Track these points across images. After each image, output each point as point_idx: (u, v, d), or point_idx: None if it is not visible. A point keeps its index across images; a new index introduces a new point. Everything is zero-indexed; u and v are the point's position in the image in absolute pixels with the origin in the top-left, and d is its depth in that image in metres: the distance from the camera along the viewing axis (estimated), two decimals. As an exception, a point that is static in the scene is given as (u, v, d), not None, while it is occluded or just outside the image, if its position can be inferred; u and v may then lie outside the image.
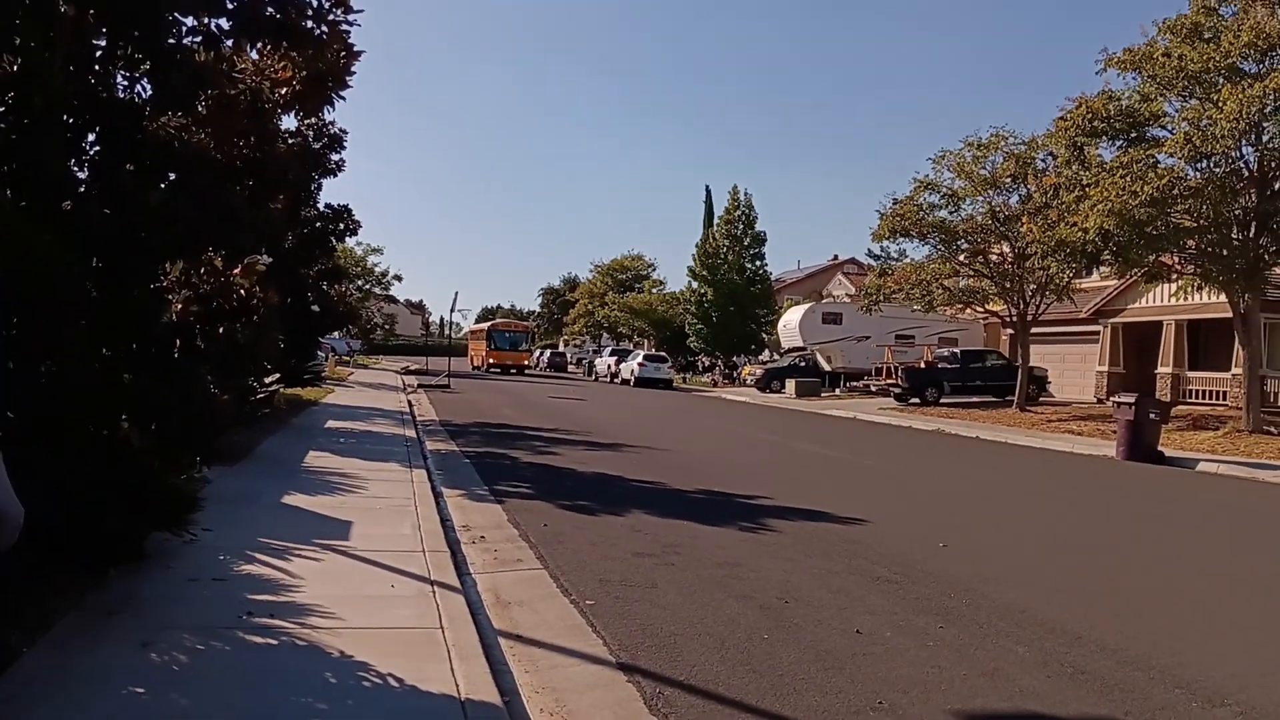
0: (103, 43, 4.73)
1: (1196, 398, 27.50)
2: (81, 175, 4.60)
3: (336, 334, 33.94)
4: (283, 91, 5.66)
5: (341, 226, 15.57)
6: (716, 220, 54.73)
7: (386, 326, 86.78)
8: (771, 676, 4.97)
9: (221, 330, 5.38)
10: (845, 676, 5.02)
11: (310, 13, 5.10)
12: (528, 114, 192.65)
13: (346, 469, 10.97)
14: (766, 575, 7.23)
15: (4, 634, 4.16)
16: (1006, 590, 7.11)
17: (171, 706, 3.86)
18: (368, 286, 62.93)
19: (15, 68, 4.20)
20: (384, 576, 6.19)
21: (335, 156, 13.78)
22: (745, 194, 52.77)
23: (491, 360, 56.85)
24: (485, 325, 64.46)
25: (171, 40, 4.81)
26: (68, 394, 4.36)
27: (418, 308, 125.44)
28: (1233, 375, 25.72)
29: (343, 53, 5.40)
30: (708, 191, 60.73)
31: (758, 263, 52.12)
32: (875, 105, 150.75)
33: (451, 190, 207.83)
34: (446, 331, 66.66)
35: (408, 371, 45.73)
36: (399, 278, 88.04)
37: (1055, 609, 6.59)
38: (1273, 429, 19.99)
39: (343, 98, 5.75)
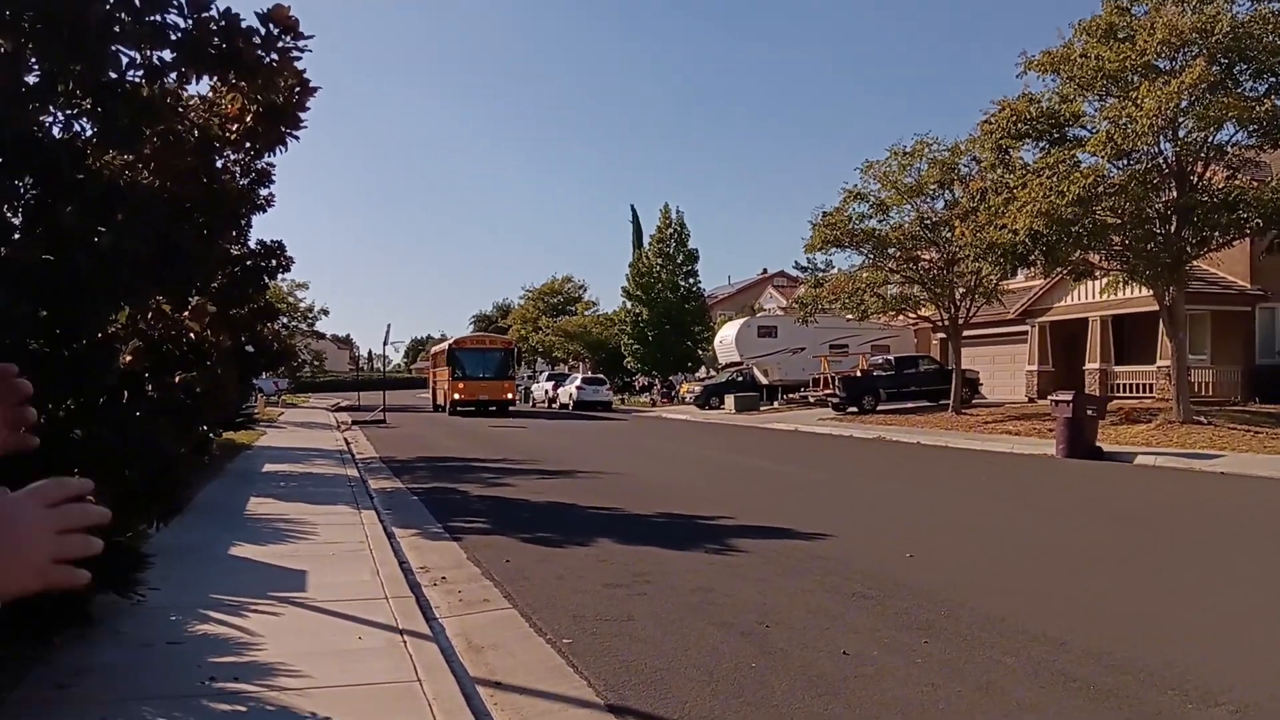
0: (35, 79, 4.42)
1: (1124, 391, 28.25)
2: (15, 221, 4.26)
3: (264, 373, 33.05)
4: (234, 128, 5.37)
5: (274, 263, 15.03)
6: (648, 239, 54.85)
7: (315, 363, 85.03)
8: (767, 708, 4.81)
9: (177, 378, 5.05)
10: (841, 702, 4.88)
11: (259, 40, 4.84)
12: (451, 140, 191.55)
13: (292, 514, 10.54)
14: (742, 599, 7.08)
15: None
16: (981, 598, 7.07)
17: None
18: (294, 323, 61.52)
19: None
20: (349, 628, 5.89)
21: (264, 191, 13.35)
22: (677, 211, 53.01)
23: (459, 395, 38.78)
24: (446, 345, 43.62)
25: (114, 74, 4.52)
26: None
27: (345, 342, 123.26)
28: (1157, 367, 26.47)
29: (296, 87, 5.13)
30: (633, 211, 61.06)
31: (691, 280, 52.31)
32: (797, 118, 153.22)
33: (376, 220, 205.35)
34: (378, 365, 65.15)
35: (339, 408, 44.75)
36: (325, 312, 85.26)
37: (1032, 615, 6.55)
38: (1202, 419, 20.57)
39: (296, 136, 5.47)
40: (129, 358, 4.79)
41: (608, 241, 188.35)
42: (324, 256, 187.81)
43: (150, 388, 4.91)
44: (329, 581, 7.19)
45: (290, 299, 58.90)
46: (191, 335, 5.22)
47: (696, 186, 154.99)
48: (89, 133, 4.56)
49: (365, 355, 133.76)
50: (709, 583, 7.63)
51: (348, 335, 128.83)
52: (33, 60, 4.15)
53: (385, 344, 46.85)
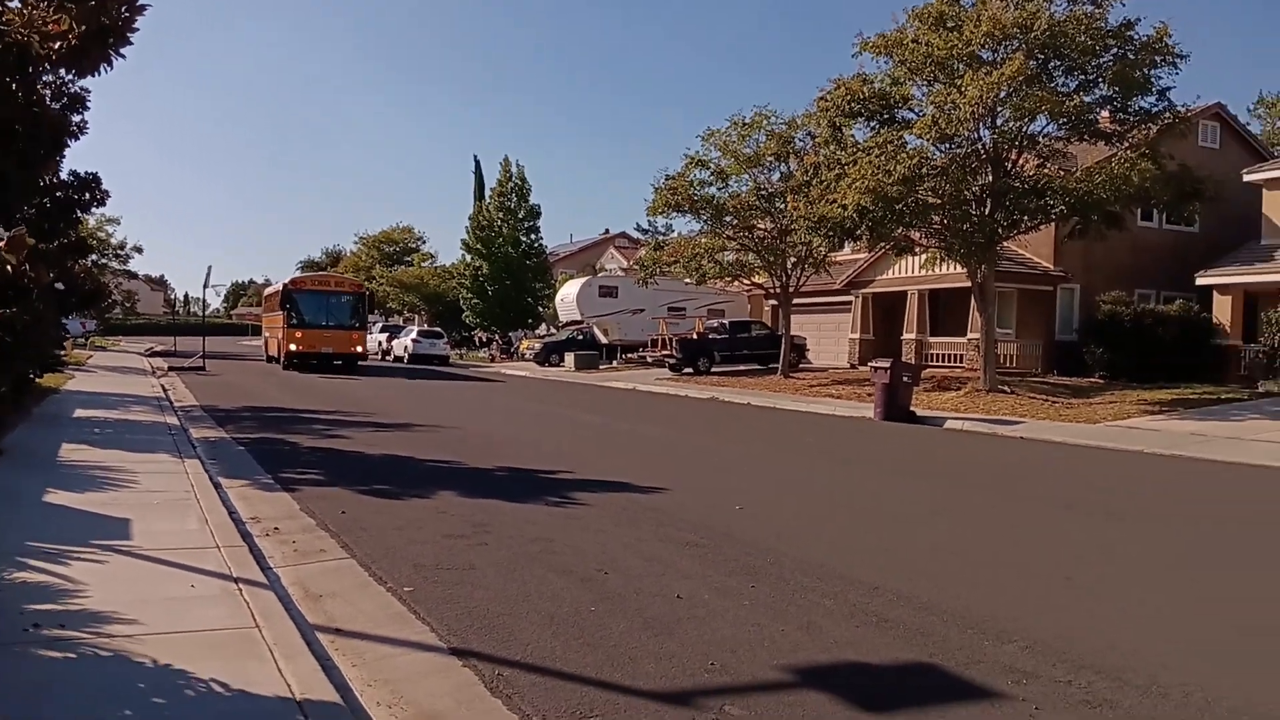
0: None
1: (937, 361, 30.13)
2: None
3: (73, 313, 30.79)
4: (55, 45, 5.02)
5: (89, 196, 14.02)
6: (489, 192, 54.05)
7: (126, 304, 79.69)
8: (606, 648, 5.03)
9: (-6, 314, 4.72)
10: (675, 641, 5.16)
11: (87, -43, 4.58)
12: (289, 76, 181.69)
13: (109, 462, 10.02)
14: (581, 548, 7.30)
15: None
16: (803, 548, 7.54)
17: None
18: (103, 260, 57.29)
19: None
20: (180, 576, 5.73)
21: (77, 118, 12.32)
22: (517, 165, 52.51)
23: (295, 345, 32.96)
24: (281, 285, 36.58)
25: None
26: None
27: (159, 283, 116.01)
28: (968, 340, 28.36)
29: (124, 7, 4.86)
30: (477, 163, 59.89)
31: (532, 236, 52.01)
32: (645, 85, 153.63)
33: (200, 155, 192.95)
34: (196, 310, 61.39)
35: (154, 353, 42.23)
36: (139, 249, 79.43)
37: (849, 562, 7.06)
38: (1006, 388, 22.28)
39: (123, 55, 5.18)
40: (-61, 288, 4.45)
41: (450, 194, 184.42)
42: (142, 191, 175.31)
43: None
44: (155, 529, 6.94)
45: (100, 234, 54.76)
46: (9, 269, 4.87)
47: (544, 144, 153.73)
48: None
49: (181, 299, 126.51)
50: (549, 533, 7.80)
51: (162, 276, 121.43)
52: None
53: (205, 287, 44.08)
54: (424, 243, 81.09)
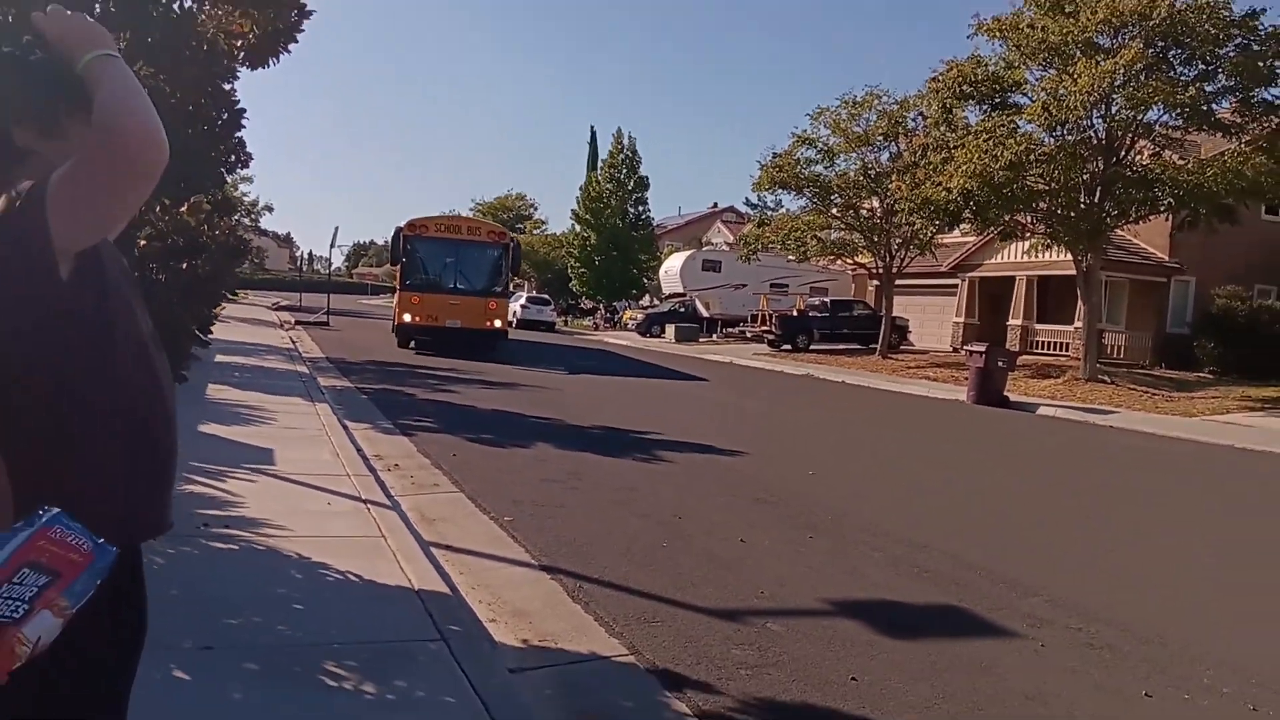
0: None
1: (1043, 349, 29.83)
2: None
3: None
4: (237, 43, 6.03)
5: (234, 158, 15.38)
6: (601, 163, 55.07)
7: (255, 260, 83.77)
8: (672, 574, 5.83)
9: (185, 264, 5.76)
10: (733, 574, 5.93)
11: (269, -27, 5.55)
12: (410, 42, 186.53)
13: (251, 401, 11.28)
14: (661, 498, 8.11)
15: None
16: (865, 509, 8.19)
17: (163, 595, 4.41)
18: (237, 217, 60.59)
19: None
20: (318, 495, 6.76)
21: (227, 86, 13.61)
22: (630, 137, 53.28)
23: (410, 315, 23.98)
24: (397, 229, 24.82)
25: None
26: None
27: (286, 241, 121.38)
28: (1075, 328, 27.98)
29: (295, 11, 5.82)
30: (592, 133, 61.01)
31: (640, 208, 52.82)
32: (761, 55, 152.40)
33: (329, 116, 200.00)
34: (319, 267, 64.13)
35: (280, 307, 44.79)
36: (270, 208, 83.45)
37: (906, 525, 7.68)
38: (1106, 378, 22.13)
39: (289, 51, 6.17)
40: (143, 243, 5.45)
41: (563, 163, 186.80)
42: (268, 148, 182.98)
43: (159, 274, 5.61)
44: (294, 457, 8.03)
45: (234, 191, 57.99)
46: (190, 228, 5.90)
47: (656, 116, 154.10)
48: (123, 45, 5.20)
49: (305, 256, 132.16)
50: (633, 483, 8.64)
51: (288, 234, 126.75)
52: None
53: (332, 246, 46.64)
54: (535, 209, 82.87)
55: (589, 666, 4.35)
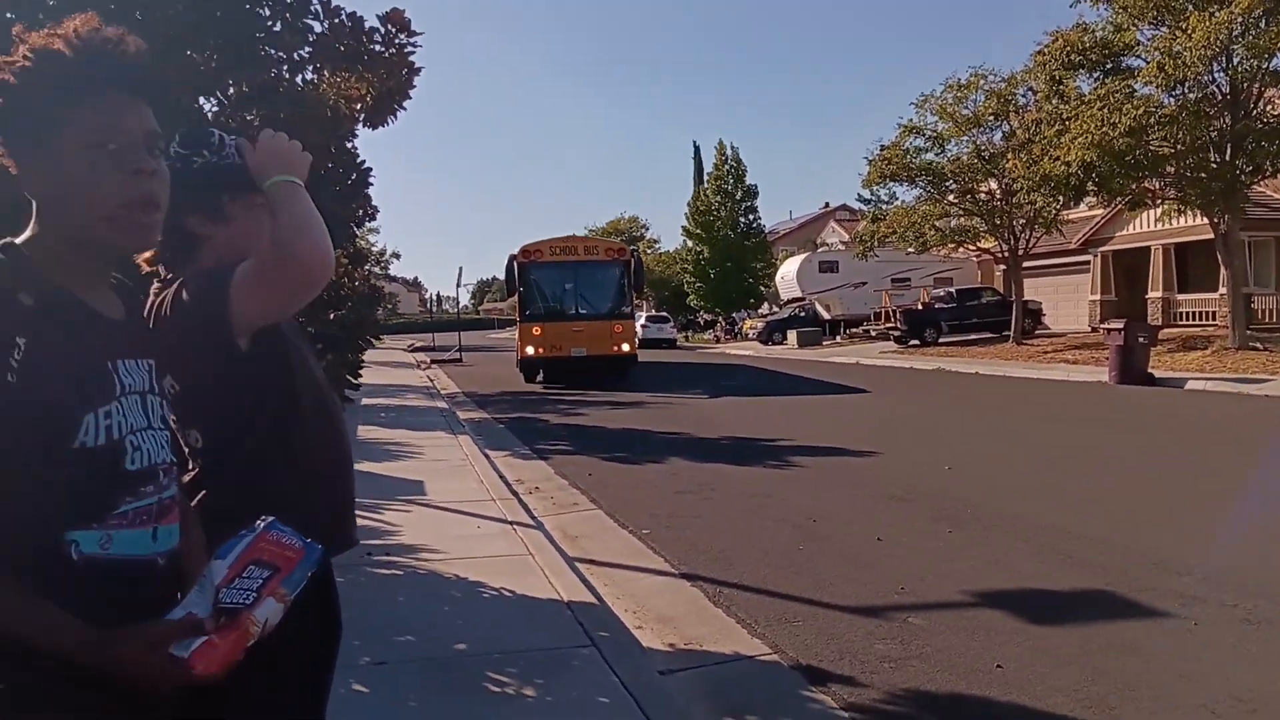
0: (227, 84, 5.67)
1: (1187, 320, 28.42)
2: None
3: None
4: (356, 107, 6.52)
5: (361, 212, 16.29)
6: (706, 177, 55.30)
7: (388, 306, 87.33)
8: (810, 576, 5.94)
9: (331, 315, 6.26)
10: (872, 572, 6.00)
11: (379, 38, 5.98)
12: (507, 78, 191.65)
13: (398, 439, 11.92)
14: (794, 502, 8.21)
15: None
16: (1007, 502, 8.07)
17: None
18: (369, 267, 63.35)
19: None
20: (467, 521, 7.16)
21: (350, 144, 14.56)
22: (732, 148, 53.30)
23: (532, 347, 22.55)
24: (510, 257, 23.02)
25: (273, 73, 5.76)
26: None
27: (414, 285, 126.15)
28: (1220, 295, 26.57)
29: (405, 70, 6.25)
30: (695, 148, 61.40)
31: (750, 216, 52.75)
32: (860, 55, 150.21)
33: (438, 160, 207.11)
34: (447, 307, 66.35)
35: (415, 349, 46.59)
36: (397, 255, 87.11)
37: (1050, 513, 7.54)
38: (1258, 345, 20.93)
39: (404, 108, 6.62)
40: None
41: (669, 180, 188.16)
42: (388, 197, 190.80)
43: (309, 325, 6.11)
44: (443, 488, 8.49)
45: (364, 242, 60.70)
46: (331, 281, 6.36)
47: (760, 122, 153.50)
48: (257, 123, 5.73)
49: (434, 297, 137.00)
50: (766, 490, 8.76)
51: (416, 278, 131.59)
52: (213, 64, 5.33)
53: (459, 285, 48.53)
54: (647, 229, 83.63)
55: (734, 666, 4.52)
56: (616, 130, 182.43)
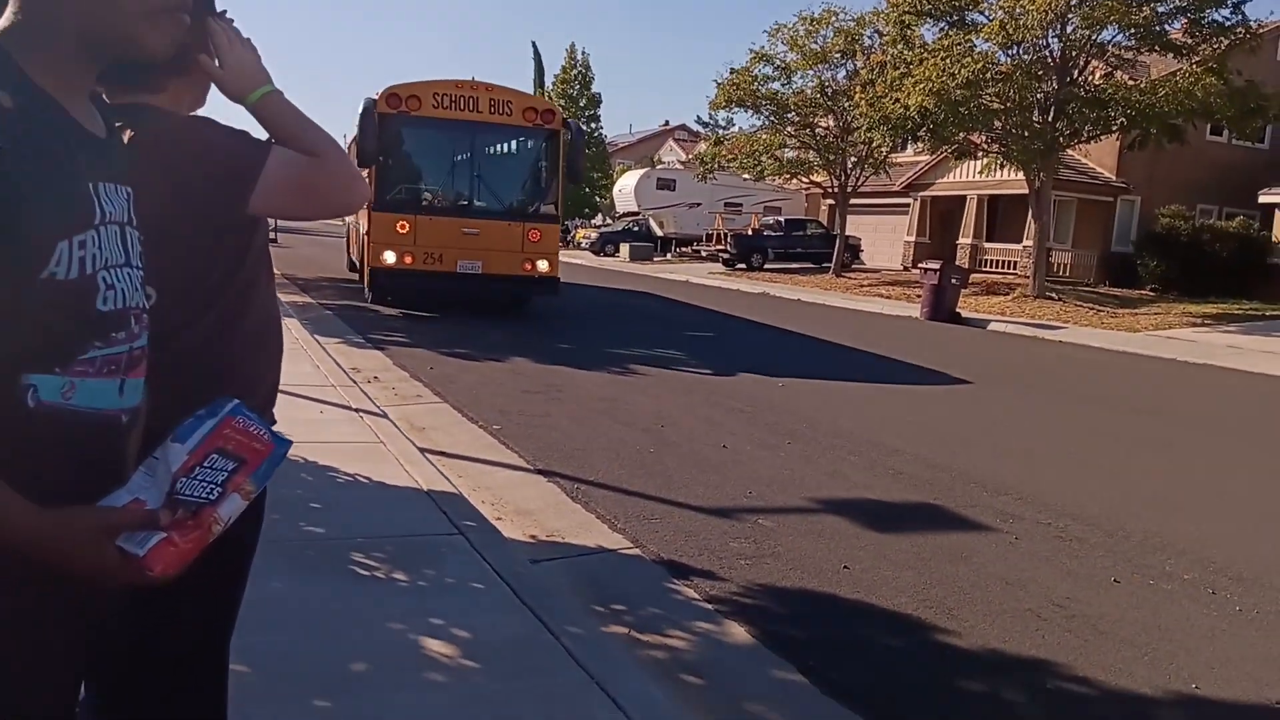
0: None
1: (992, 267, 30.40)
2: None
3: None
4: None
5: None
6: (551, 79, 54.02)
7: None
8: (662, 477, 6.07)
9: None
10: (720, 476, 6.19)
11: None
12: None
13: (220, 317, 11.20)
14: (641, 408, 8.33)
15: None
16: (835, 417, 8.48)
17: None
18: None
19: None
20: (309, 405, 6.85)
21: None
22: (583, 53, 52.31)
23: (392, 253, 14.03)
24: (367, 104, 13.59)
25: None
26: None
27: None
28: (1024, 247, 28.52)
29: None
30: (535, 49, 59.69)
31: (593, 125, 52.09)
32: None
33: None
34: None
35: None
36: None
37: (878, 431, 7.99)
38: (1054, 295, 22.73)
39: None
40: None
41: (505, 79, 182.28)
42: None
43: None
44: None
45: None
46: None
47: (602, 30, 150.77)
48: None
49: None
50: (613, 395, 8.85)
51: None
52: None
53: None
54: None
55: (599, 558, 4.59)
56: (449, 16, 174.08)
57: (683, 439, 7.23)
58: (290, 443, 1.45)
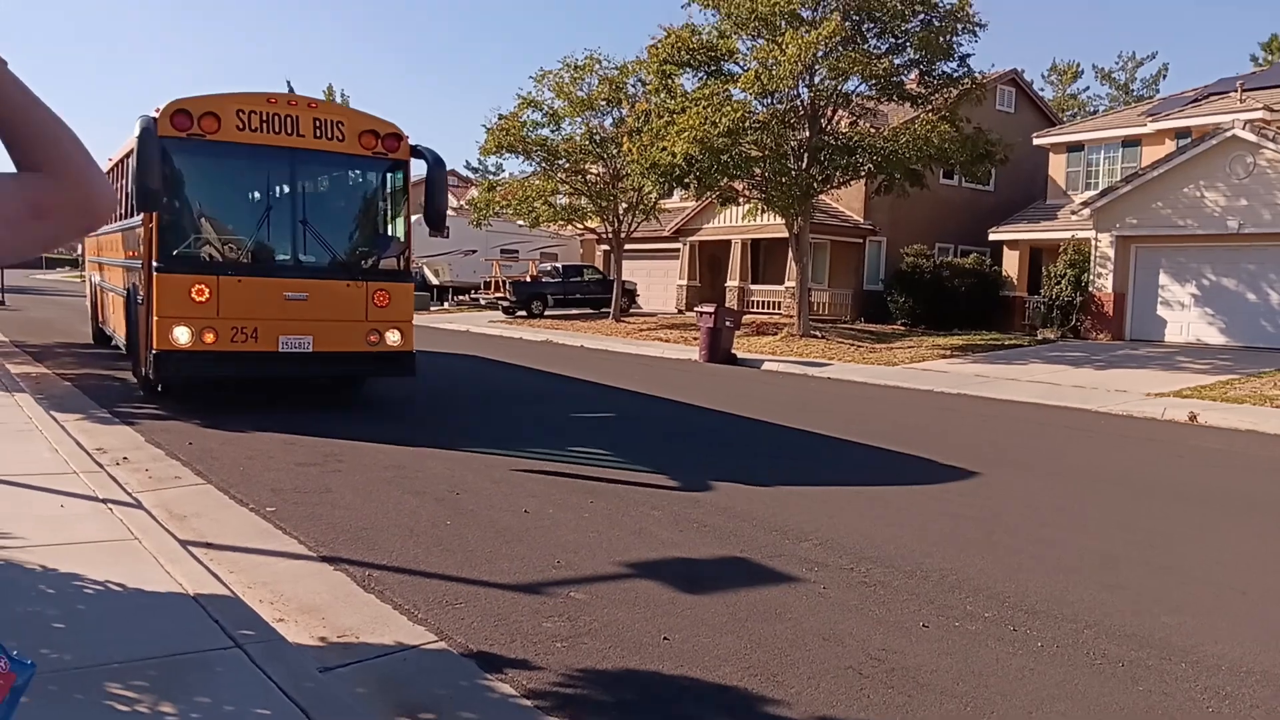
0: None
1: (758, 307, 31.79)
2: None
3: None
4: None
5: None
6: (312, 126, 51.88)
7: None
8: (463, 553, 5.67)
9: None
10: (525, 546, 5.86)
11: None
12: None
13: (-71, 396, 9.73)
14: (432, 473, 7.86)
15: None
16: (638, 473, 8.35)
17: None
18: None
19: None
20: (47, 498, 5.94)
21: None
22: (343, 95, 50.70)
23: (195, 331, 9.90)
24: (143, 127, 9.42)
25: None
26: None
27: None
28: (786, 288, 30.05)
29: None
30: (290, 89, 57.31)
31: (358, 172, 50.39)
32: (471, 11, 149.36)
33: None
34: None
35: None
36: None
37: (677, 481, 7.92)
38: (818, 333, 23.96)
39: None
40: None
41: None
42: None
43: None
44: (6, 455, 7.02)
45: None
46: None
47: (364, 75, 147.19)
48: None
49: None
50: (400, 462, 8.31)
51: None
52: None
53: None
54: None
55: (399, 657, 4.15)
56: (201, 53, 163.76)
57: (480, 506, 6.84)
58: (34, 666, 1.32)
